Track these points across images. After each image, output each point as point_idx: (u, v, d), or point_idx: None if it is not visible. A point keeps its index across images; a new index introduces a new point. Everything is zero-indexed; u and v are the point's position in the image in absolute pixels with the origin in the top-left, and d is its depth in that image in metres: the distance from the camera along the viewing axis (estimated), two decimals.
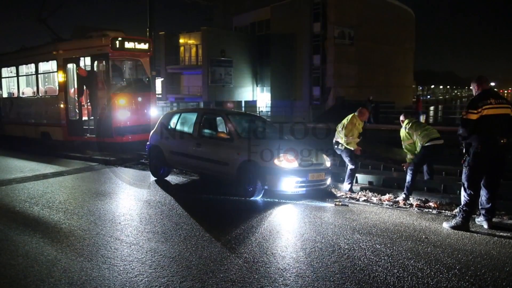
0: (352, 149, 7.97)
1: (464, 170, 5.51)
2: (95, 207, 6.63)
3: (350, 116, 8.13)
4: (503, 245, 4.94)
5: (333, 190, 8.09)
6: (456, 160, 8.97)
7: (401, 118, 7.74)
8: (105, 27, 13.70)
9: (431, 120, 25.56)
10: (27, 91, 15.15)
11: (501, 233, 5.31)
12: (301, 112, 35.26)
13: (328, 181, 7.74)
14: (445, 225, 5.67)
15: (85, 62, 12.97)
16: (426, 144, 7.13)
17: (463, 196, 5.56)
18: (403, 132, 7.56)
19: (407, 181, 7.26)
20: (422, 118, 24.32)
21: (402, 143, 7.62)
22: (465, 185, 5.50)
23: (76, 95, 13.18)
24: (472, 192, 5.43)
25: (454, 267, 4.22)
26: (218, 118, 8.52)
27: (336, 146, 8.24)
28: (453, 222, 5.61)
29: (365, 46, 39.56)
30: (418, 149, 7.30)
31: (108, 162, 11.25)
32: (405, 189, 7.28)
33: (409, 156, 7.55)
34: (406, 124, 7.52)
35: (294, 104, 38.71)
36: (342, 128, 8.02)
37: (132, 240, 5.03)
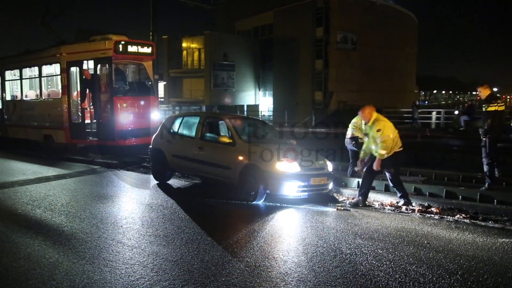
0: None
1: None
2: (97, 210, 6.64)
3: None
4: (505, 251, 4.93)
5: (335, 194, 8.08)
6: (457, 166, 9.00)
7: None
8: (108, 31, 13.75)
9: (433, 126, 25.26)
10: (30, 94, 15.19)
11: (503, 239, 5.30)
12: (304, 116, 35.28)
13: (330, 185, 7.73)
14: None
15: (88, 65, 13.00)
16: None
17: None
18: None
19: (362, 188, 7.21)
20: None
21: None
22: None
23: (79, 98, 13.23)
24: None
25: (456, 273, 4.21)
26: (220, 122, 8.53)
27: (353, 142, 8.01)
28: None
29: (368, 50, 39.61)
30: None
31: (110, 165, 11.27)
32: (400, 197, 7.20)
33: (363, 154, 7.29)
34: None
35: (297, 108, 38.74)
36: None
37: (134, 243, 5.04)
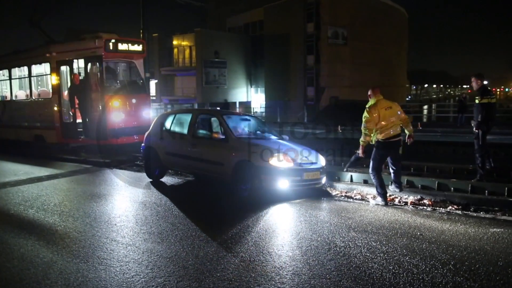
0: None
1: None
2: (91, 209, 6.61)
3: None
4: (496, 240, 4.99)
5: (328, 189, 8.12)
6: (449, 158, 9.08)
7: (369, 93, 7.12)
8: (99, 30, 13.65)
9: (424, 120, 25.45)
10: (20, 94, 15.06)
11: (494, 229, 5.36)
12: (296, 112, 35.33)
13: (323, 180, 7.76)
14: None
15: (79, 64, 12.93)
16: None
17: None
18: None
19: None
20: None
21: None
22: None
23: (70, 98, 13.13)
24: None
25: (449, 263, 4.26)
26: (212, 119, 8.53)
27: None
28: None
29: (359, 46, 39.72)
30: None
31: (103, 164, 11.22)
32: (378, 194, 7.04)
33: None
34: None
35: (289, 104, 38.80)
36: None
37: (128, 241, 5.03)
